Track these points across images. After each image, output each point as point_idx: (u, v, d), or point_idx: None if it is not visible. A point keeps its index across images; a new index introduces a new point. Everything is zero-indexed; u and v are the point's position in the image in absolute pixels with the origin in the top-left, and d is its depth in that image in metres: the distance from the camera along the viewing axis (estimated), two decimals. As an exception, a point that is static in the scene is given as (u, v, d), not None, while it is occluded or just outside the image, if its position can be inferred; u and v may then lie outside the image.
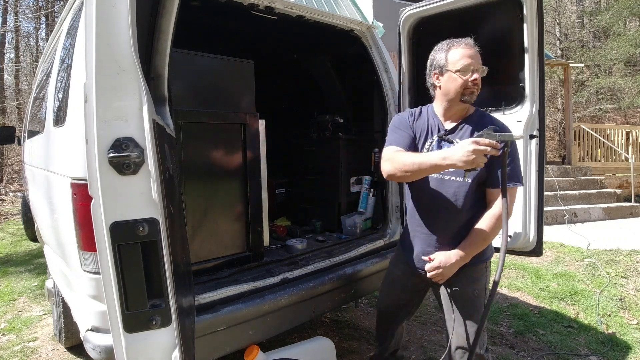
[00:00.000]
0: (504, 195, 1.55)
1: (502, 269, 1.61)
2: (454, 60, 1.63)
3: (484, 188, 1.72)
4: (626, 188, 8.59)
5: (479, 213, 1.71)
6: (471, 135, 1.66)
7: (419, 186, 1.78)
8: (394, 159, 1.65)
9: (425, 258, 1.72)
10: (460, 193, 1.70)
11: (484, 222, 1.67)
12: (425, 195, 1.77)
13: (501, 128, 1.67)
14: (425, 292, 2.04)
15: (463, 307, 1.78)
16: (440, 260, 1.67)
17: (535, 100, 2.18)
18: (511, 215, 1.68)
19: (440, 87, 1.72)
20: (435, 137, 1.75)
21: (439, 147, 1.73)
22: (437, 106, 1.79)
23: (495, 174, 1.65)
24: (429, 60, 1.75)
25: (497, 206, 1.66)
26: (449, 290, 1.81)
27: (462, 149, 1.43)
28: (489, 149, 1.40)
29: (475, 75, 1.62)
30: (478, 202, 1.72)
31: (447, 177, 1.72)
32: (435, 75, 1.72)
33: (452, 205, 1.71)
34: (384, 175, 1.71)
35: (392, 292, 2.03)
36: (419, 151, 1.75)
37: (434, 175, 1.72)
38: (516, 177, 1.68)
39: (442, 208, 1.73)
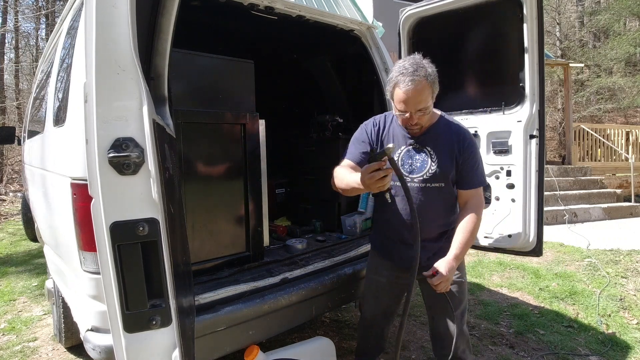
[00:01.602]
0: (407, 195, 1.55)
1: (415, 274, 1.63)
2: (396, 100, 1.68)
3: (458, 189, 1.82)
4: (626, 188, 8.59)
5: (455, 212, 1.84)
6: (441, 141, 1.76)
7: (396, 193, 1.80)
8: (337, 176, 1.75)
9: (428, 273, 1.70)
10: (438, 197, 1.78)
11: (469, 223, 1.73)
12: (405, 202, 1.76)
13: (462, 134, 1.78)
14: (406, 291, 2.04)
15: (455, 296, 1.85)
16: (446, 269, 1.66)
17: (535, 100, 2.19)
18: (483, 207, 1.83)
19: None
20: (403, 147, 1.81)
21: (409, 156, 1.80)
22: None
23: (465, 176, 1.78)
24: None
25: (474, 207, 1.76)
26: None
27: (361, 176, 1.49)
28: (375, 172, 1.42)
29: (409, 117, 1.67)
30: (454, 203, 1.85)
31: (424, 185, 1.77)
32: (387, 95, 1.78)
33: (433, 209, 1.79)
34: (333, 188, 1.80)
35: (380, 301, 2.03)
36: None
37: (414, 184, 1.78)
38: (478, 181, 1.79)
39: (424, 212, 1.76)
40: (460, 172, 1.78)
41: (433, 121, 1.81)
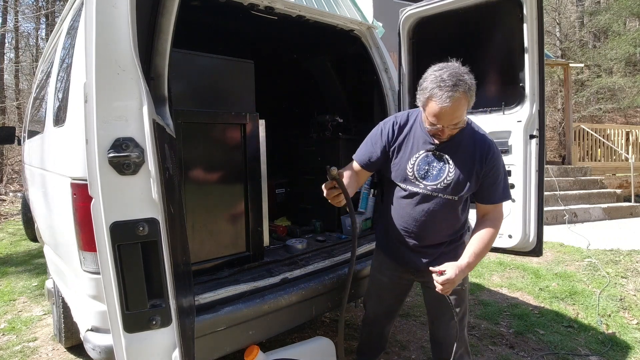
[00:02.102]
0: (352, 216, 1.71)
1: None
2: (428, 112, 1.59)
3: (471, 200, 1.81)
4: (626, 188, 8.59)
5: (461, 221, 1.82)
6: (462, 152, 1.69)
7: (404, 197, 1.78)
8: None
9: (436, 269, 1.66)
10: (448, 208, 1.74)
11: (485, 235, 1.69)
12: (412, 207, 1.77)
13: (486, 146, 1.70)
14: (409, 291, 2.06)
15: (455, 302, 1.84)
16: (455, 272, 1.61)
17: (535, 100, 2.19)
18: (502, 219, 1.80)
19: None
20: (422, 152, 1.73)
21: (425, 162, 1.72)
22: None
23: (485, 191, 1.72)
24: (422, 78, 1.64)
25: (493, 220, 1.73)
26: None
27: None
28: (330, 191, 1.55)
29: (441, 129, 1.60)
30: (463, 212, 1.82)
31: (436, 195, 1.72)
32: (417, 100, 1.68)
33: (439, 219, 1.75)
34: None
35: (383, 300, 2.04)
36: (405, 164, 1.75)
37: (420, 190, 1.73)
38: (499, 197, 1.74)
39: (429, 221, 1.75)
40: (480, 186, 1.71)
41: None
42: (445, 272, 1.61)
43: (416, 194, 1.74)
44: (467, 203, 1.83)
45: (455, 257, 1.71)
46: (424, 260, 1.80)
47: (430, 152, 1.72)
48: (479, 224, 1.74)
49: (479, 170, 1.68)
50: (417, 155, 1.73)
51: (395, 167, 1.78)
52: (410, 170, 1.73)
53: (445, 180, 1.69)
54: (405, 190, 1.76)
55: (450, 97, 1.49)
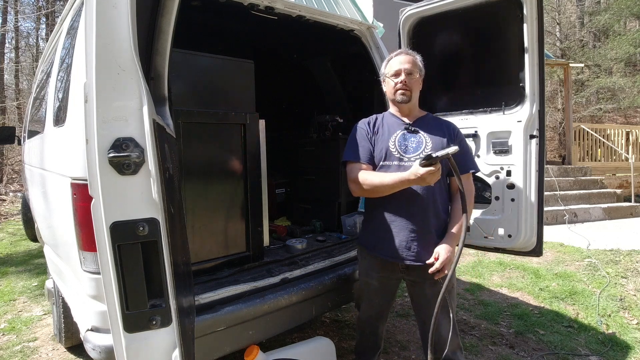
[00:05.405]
0: (461, 192, 1.71)
1: None
2: (390, 67, 1.91)
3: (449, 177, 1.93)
4: (626, 188, 8.59)
5: (446, 199, 1.91)
6: (432, 129, 1.91)
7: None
8: (365, 180, 1.82)
9: (431, 260, 1.75)
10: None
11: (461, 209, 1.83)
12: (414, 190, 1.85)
13: (450, 124, 1.95)
14: (397, 290, 2.08)
15: (447, 300, 1.86)
16: (447, 253, 1.74)
17: (535, 100, 2.19)
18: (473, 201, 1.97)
19: (385, 92, 1.99)
20: (398, 132, 1.91)
21: (403, 138, 1.89)
22: (392, 108, 2.01)
23: (460, 160, 1.83)
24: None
25: (466, 191, 1.83)
26: (438, 286, 1.83)
27: (419, 173, 1.62)
28: (435, 170, 1.59)
29: (402, 77, 1.85)
30: (445, 189, 1.92)
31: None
32: (382, 84, 2.00)
33: (426, 193, 1.82)
34: (353, 194, 1.93)
35: (372, 302, 2.06)
36: (387, 144, 1.90)
37: (405, 164, 1.83)
38: (470, 165, 1.92)
39: (417, 196, 1.81)
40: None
41: (422, 114, 1.97)
42: (440, 254, 1.74)
43: (404, 168, 1.82)
44: (447, 187, 1.93)
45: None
46: (418, 249, 1.82)
47: (406, 130, 1.90)
48: (455, 199, 1.88)
49: (450, 142, 1.87)
50: (395, 135, 1.91)
51: (378, 149, 1.91)
52: (393, 147, 1.88)
53: (425, 150, 1.84)
54: (391, 167, 1.86)
55: (403, 51, 1.92)
